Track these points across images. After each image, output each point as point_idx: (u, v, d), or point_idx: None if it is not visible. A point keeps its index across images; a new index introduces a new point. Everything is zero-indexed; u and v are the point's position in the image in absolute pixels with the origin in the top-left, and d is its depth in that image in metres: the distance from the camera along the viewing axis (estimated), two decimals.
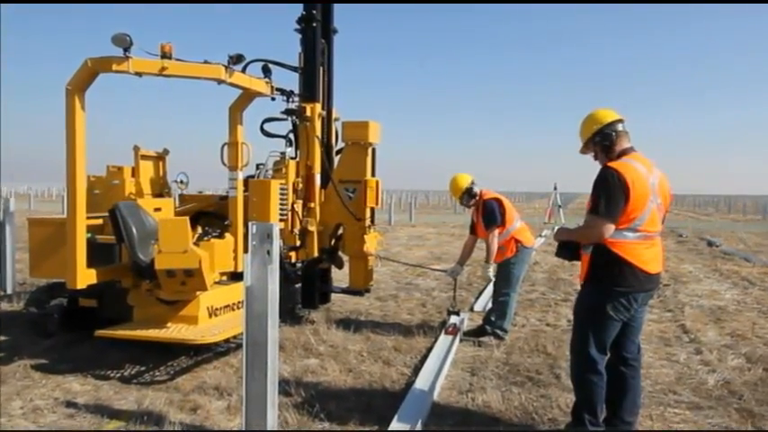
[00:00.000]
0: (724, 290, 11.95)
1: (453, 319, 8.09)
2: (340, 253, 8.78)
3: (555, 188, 31.75)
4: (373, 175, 8.65)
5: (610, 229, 4.34)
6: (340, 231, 8.66)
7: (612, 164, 4.45)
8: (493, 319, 7.80)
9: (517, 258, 7.81)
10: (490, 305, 8.14)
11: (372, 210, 8.61)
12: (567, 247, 4.81)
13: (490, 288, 8.80)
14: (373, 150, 8.64)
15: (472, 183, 8.01)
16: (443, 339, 7.40)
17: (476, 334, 7.81)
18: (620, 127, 4.63)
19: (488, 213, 7.75)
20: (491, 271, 7.88)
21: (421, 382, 5.90)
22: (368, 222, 8.48)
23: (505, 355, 7.09)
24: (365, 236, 8.41)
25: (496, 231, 7.71)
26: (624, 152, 4.57)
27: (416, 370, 6.39)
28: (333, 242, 8.66)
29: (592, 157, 4.78)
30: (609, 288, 4.46)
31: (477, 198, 8.00)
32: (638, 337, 4.81)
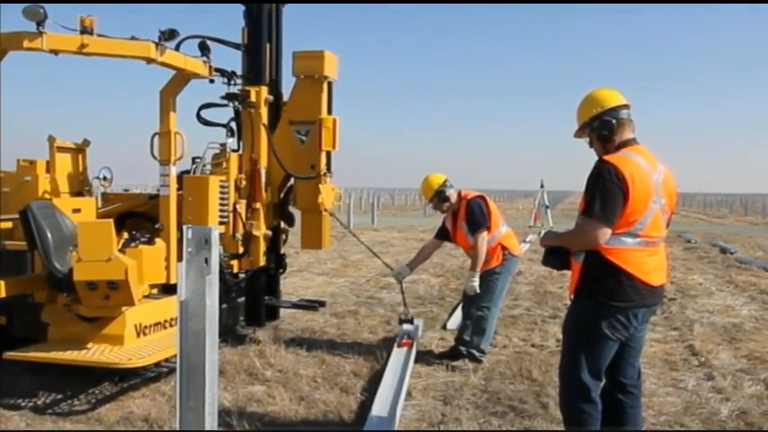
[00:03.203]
0: (739, 305, 11.95)
1: (405, 328, 8.09)
2: (291, 208, 8.72)
3: (541, 186, 31.86)
4: (329, 113, 8.49)
5: (605, 233, 4.27)
6: (291, 182, 8.60)
7: (610, 157, 4.39)
8: (467, 338, 7.84)
9: (503, 268, 7.90)
10: (461, 322, 8.20)
11: (329, 155, 8.51)
12: (556, 255, 4.78)
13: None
14: (329, 86, 8.51)
15: (445, 183, 8.04)
16: (397, 354, 7.44)
17: (449, 357, 7.88)
18: (623, 114, 4.58)
19: (475, 214, 7.79)
20: (476, 282, 7.75)
21: (378, 409, 5.97)
22: (323, 170, 8.37)
23: (484, 381, 7.14)
24: (320, 185, 8.29)
25: (485, 234, 7.75)
26: (625, 144, 4.52)
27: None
28: (282, 195, 8.61)
29: (587, 143, 4.76)
30: (604, 302, 4.38)
31: (456, 200, 8.03)
32: (638, 360, 4.78)
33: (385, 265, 9.04)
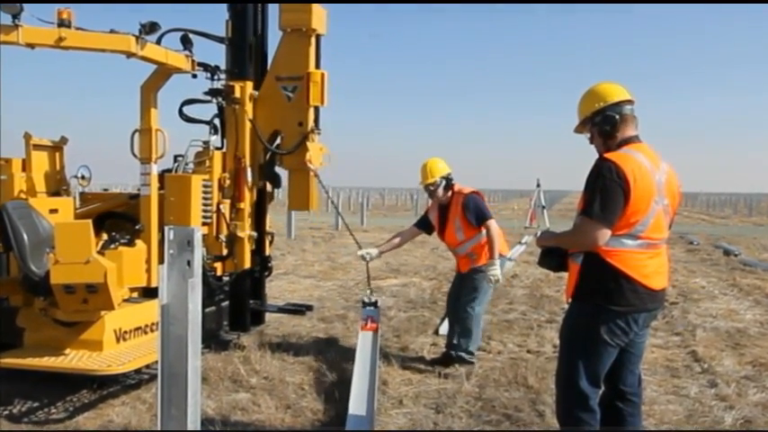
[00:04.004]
0: (744, 309, 11.99)
1: (368, 311, 7.86)
2: (277, 168, 8.60)
3: (538, 185, 31.90)
4: (318, 68, 8.37)
5: (605, 234, 4.25)
6: (278, 141, 8.46)
7: (611, 155, 4.37)
8: (455, 341, 7.89)
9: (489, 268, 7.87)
10: (447, 326, 8.20)
11: (317, 111, 8.41)
12: (553, 256, 4.78)
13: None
14: (317, 39, 8.40)
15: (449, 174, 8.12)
16: (363, 342, 7.32)
17: (441, 363, 7.91)
18: (627, 110, 4.55)
19: (478, 207, 7.87)
20: (497, 270, 7.70)
21: (355, 406, 6.01)
22: (311, 127, 8.26)
23: (478, 389, 7.15)
24: (308, 143, 8.17)
25: (494, 221, 7.85)
26: (627, 141, 4.49)
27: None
28: (269, 155, 8.48)
29: (587, 139, 4.74)
30: (603, 307, 4.37)
31: (452, 194, 8.07)
32: (638, 367, 4.76)
33: (355, 242, 8.96)
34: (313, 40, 8.29)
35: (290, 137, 8.26)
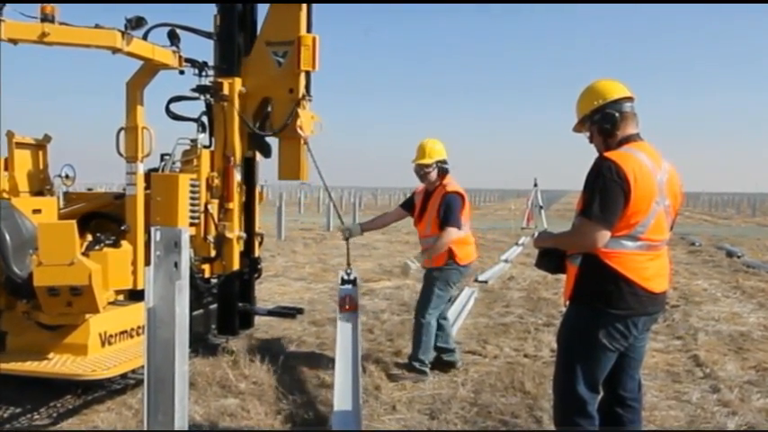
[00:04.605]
0: (747, 312, 12.01)
1: (346, 289, 7.66)
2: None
3: (535, 185, 31.92)
4: (309, 32, 8.27)
5: (605, 236, 4.25)
6: (268, 108, 8.45)
7: (610, 154, 4.36)
8: (411, 350, 7.89)
9: (442, 274, 7.80)
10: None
11: (308, 77, 8.33)
12: (550, 257, 4.78)
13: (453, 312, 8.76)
14: (308, 3, 8.31)
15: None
16: (342, 327, 7.19)
17: (405, 368, 7.89)
18: (627, 107, 4.55)
19: (450, 209, 7.74)
20: (415, 264, 7.79)
21: (340, 401, 6.02)
22: (302, 93, 8.18)
23: (473, 394, 7.17)
24: (299, 110, 8.06)
25: (453, 231, 7.70)
26: (627, 139, 4.49)
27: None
28: (258, 124, 8.45)
29: (587, 137, 4.73)
30: (602, 310, 4.37)
31: (440, 184, 7.97)
32: (638, 372, 4.76)
33: (338, 217, 8.88)
34: (304, 4, 8.22)
35: (280, 104, 8.22)
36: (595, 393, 4.53)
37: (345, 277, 7.70)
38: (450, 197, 7.79)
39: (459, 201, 7.81)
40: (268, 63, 8.19)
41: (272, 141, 8.51)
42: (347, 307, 7.37)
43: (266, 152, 8.59)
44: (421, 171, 8.03)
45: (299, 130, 7.98)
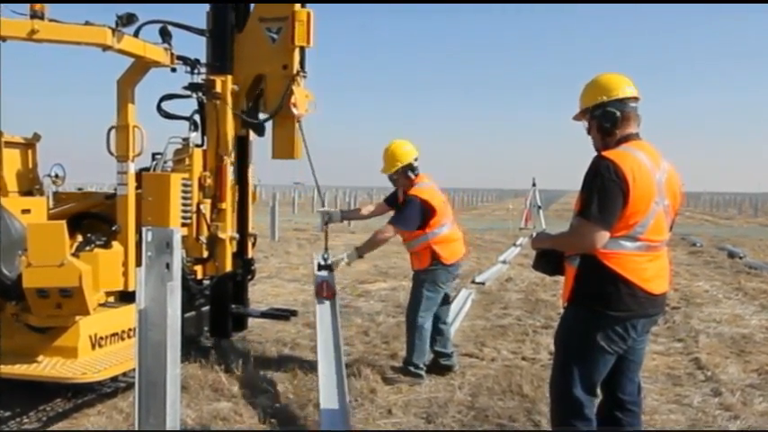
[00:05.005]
0: (749, 314, 12.02)
1: (323, 275, 7.72)
2: (261, 114, 8.51)
3: (533, 184, 31.91)
4: (303, 6, 8.19)
5: (603, 237, 4.24)
6: (261, 86, 8.39)
7: (609, 153, 4.35)
8: (406, 352, 7.89)
9: (428, 276, 7.78)
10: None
11: (303, 53, 8.28)
12: (548, 258, 4.77)
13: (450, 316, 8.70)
14: None
15: (416, 159, 7.94)
16: (321, 313, 7.23)
17: (401, 372, 7.88)
18: (630, 107, 4.53)
19: (405, 209, 7.73)
20: (345, 260, 7.81)
21: (326, 400, 6.04)
22: (296, 69, 8.11)
23: (470, 397, 7.18)
24: (293, 87, 8.01)
25: (392, 230, 7.75)
26: (626, 138, 4.49)
27: (354, 415, 6.45)
28: (251, 103, 8.43)
29: (584, 128, 4.73)
30: (600, 312, 4.36)
31: (411, 186, 7.90)
32: (637, 375, 4.77)
33: (320, 197, 8.79)
34: None
35: (273, 82, 8.19)
36: (592, 396, 4.54)
37: (322, 263, 7.75)
38: (408, 200, 7.77)
39: (417, 204, 7.68)
40: (261, 39, 8.16)
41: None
42: (324, 294, 7.41)
43: (259, 131, 8.54)
44: (390, 180, 8.10)
45: (293, 108, 7.95)
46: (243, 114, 8.17)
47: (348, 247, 8.19)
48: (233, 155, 8.26)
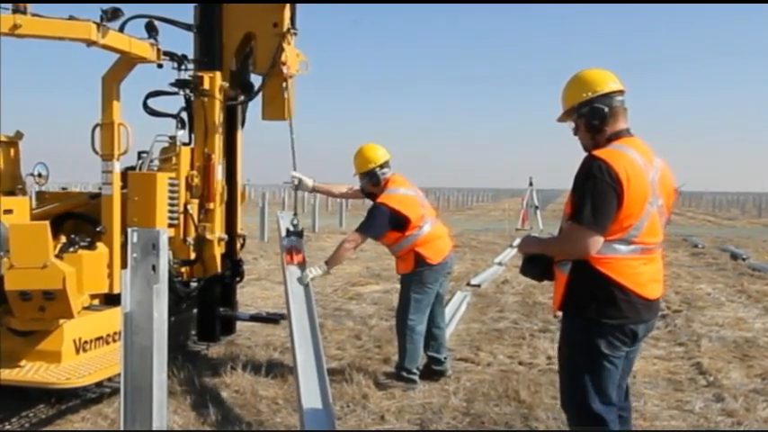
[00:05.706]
0: (752, 317, 11.99)
1: (290, 242, 7.60)
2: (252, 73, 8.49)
3: (530, 184, 31.94)
4: None
5: (598, 242, 4.15)
6: (251, 45, 8.36)
7: (601, 153, 4.22)
8: (398, 357, 7.88)
9: (415, 277, 7.74)
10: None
11: (293, 9, 8.22)
12: (536, 263, 4.61)
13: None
14: None
15: (384, 164, 7.86)
16: (292, 283, 7.09)
17: (395, 378, 7.85)
18: (617, 101, 4.43)
19: (369, 217, 7.68)
20: (309, 275, 7.33)
21: (308, 398, 5.99)
22: (287, 26, 8.05)
23: (465, 403, 7.16)
24: (283, 44, 7.96)
25: (358, 239, 7.70)
26: (617, 135, 4.39)
27: (346, 422, 6.45)
28: (240, 63, 8.40)
29: (571, 129, 4.63)
30: (596, 321, 4.29)
31: (379, 187, 7.85)
32: (625, 381, 4.71)
33: (293, 162, 8.66)
34: None
35: (263, 40, 8.14)
36: (611, 406, 4.41)
37: (291, 228, 7.67)
38: (375, 206, 7.73)
39: (384, 212, 7.59)
40: None
41: (255, 80, 8.44)
42: (294, 260, 7.31)
43: (249, 91, 8.48)
44: (361, 182, 8.10)
45: (284, 68, 7.91)
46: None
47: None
48: (221, 153, 8.24)
